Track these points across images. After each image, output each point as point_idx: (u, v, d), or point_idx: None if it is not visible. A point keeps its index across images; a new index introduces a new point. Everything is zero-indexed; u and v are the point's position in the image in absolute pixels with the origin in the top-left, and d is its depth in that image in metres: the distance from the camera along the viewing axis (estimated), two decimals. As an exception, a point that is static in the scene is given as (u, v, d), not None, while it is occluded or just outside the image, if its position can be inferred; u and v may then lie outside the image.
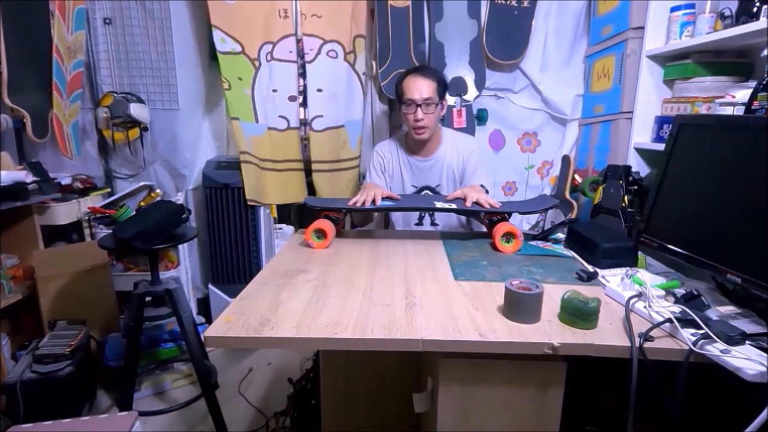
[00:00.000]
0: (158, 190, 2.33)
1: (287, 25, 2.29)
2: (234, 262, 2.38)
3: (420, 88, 1.65)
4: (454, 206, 1.52)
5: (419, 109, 1.65)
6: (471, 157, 1.78)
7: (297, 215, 3.03)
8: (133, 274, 2.22)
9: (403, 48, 2.30)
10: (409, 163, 1.81)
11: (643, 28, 1.87)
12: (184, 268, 2.31)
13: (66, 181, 2.18)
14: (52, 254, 1.98)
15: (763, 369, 0.72)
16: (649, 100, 1.88)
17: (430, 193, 1.82)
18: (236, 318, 0.93)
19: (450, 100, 2.36)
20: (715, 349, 0.78)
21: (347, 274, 1.19)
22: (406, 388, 1.16)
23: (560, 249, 1.41)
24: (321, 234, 1.42)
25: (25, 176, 1.80)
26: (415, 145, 1.80)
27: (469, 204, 1.49)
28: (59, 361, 1.68)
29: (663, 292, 0.99)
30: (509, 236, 1.38)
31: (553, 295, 0.99)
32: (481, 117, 2.46)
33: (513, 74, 2.43)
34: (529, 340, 0.85)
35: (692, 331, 0.83)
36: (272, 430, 1.68)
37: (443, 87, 1.72)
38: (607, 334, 0.87)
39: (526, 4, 2.29)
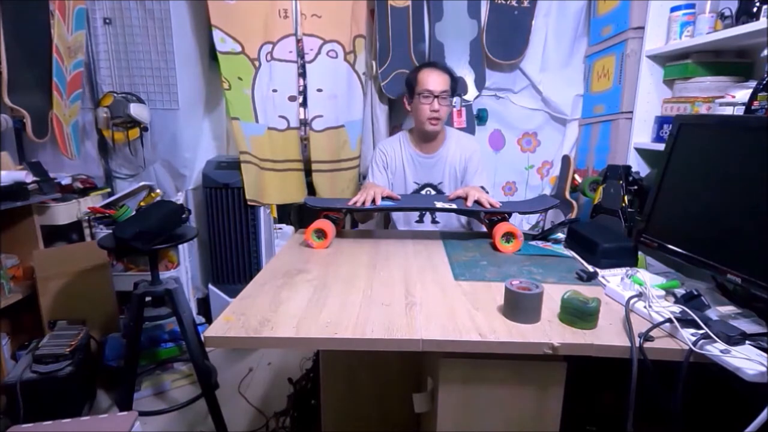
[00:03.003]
0: (158, 190, 2.33)
1: (287, 25, 2.29)
2: (234, 262, 2.38)
3: (437, 80, 1.70)
4: (454, 206, 1.52)
5: (436, 100, 1.69)
6: (473, 157, 1.80)
7: (297, 215, 3.03)
8: (133, 274, 2.22)
9: (403, 48, 2.30)
10: (413, 159, 1.82)
11: (643, 28, 1.87)
12: (184, 268, 2.30)
13: (66, 181, 2.18)
14: (52, 254, 1.98)
15: (763, 369, 0.72)
16: (649, 100, 1.88)
17: (432, 190, 1.82)
18: (236, 318, 0.93)
19: (450, 100, 2.37)
20: (715, 349, 0.78)
21: (347, 274, 1.19)
22: (406, 388, 1.16)
23: (560, 249, 1.41)
24: (321, 234, 1.42)
25: (25, 176, 1.80)
26: (422, 140, 1.82)
27: (469, 203, 1.49)
28: (59, 361, 1.68)
29: (663, 292, 0.99)
30: (509, 236, 1.38)
31: (553, 295, 0.99)
32: (481, 117, 2.46)
33: (513, 74, 2.43)
34: (529, 340, 0.85)
35: (692, 331, 0.83)
36: (272, 430, 1.68)
37: (455, 84, 1.78)
38: (607, 334, 0.87)
39: (526, 4, 2.29)
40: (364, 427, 1.26)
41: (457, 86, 1.81)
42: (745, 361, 0.75)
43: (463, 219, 1.90)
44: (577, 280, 1.16)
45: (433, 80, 1.70)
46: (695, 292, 0.93)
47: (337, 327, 0.89)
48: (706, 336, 0.80)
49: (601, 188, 1.85)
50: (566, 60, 2.41)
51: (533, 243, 1.48)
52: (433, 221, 1.87)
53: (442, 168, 1.81)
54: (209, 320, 2.46)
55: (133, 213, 2.05)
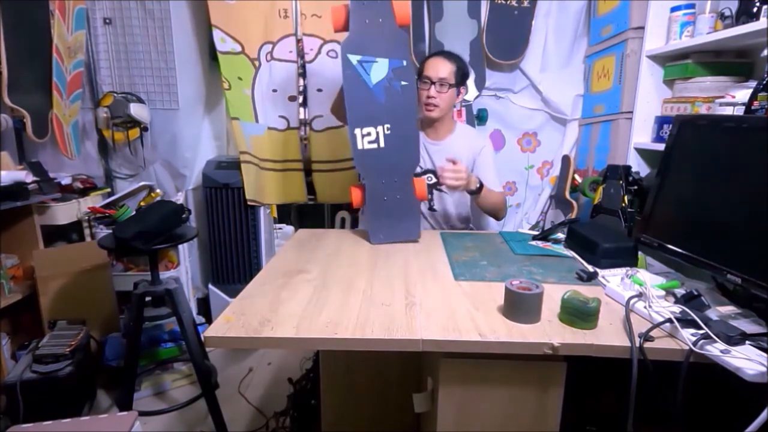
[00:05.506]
0: (158, 190, 2.33)
1: (287, 25, 2.29)
2: (234, 262, 2.38)
3: (438, 67, 1.70)
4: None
5: (433, 87, 1.70)
6: (483, 152, 1.80)
7: (297, 215, 3.04)
8: (133, 274, 2.22)
9: (403, 48, 2.30)
10: (421, 143, 1.83)
11: (643, 28, 1.87)
12: (184, 268, 2.30)
13: (66, 181, 2.18)
14: (52, 254, 1.98)
15: (763, 369, 0.72)
16: (649, 100, 1.88)
17: (433, 176, 1.84)
18: (236, 318, 0.93)
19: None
20: (715, 349, 0.78)
21: (347, 274, 1.19)
22: (406, 388, 1.16)
23: (560, 249, 1.41)
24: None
25: (25, 176, 1.80)
26: (427, 125, 1.83)
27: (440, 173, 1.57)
28: (59, 361, 1.68)
29: (663, 292, 0.99)
30: None
31: (553, 295, 0.98)
32: (481, 117, 2.46)
33: (513, 74, 2.43)
34: (529, 340, 0.85)
35: (692, 331, 0.83)
36: (272, 430, 1.68)
37: (462, 74, 1.76)
38: (607, 334, 0.87)
39: (526, 4, 2.29)
40: (364, 427, 1.26)
41: (464, 79, 1.78)
42: (745, 361, 0.75)
43: (461, 208, 1.89)
44: (577, 280, 1.16)
45: (433, 67, 1.71)
46: (695, 292, 0.93)
47: (337, 327, 0.89)
48: (706, 336, 0.80)
49: (601, 188, 1.85)
50: (566, 60, 2.41)
51: (533, 243, 1.48)
52: (430, 208, 1.87)
53: (444, 157, 1.81)
54: (209, 320, 2.46)
55: (133, 213, 2.05)
